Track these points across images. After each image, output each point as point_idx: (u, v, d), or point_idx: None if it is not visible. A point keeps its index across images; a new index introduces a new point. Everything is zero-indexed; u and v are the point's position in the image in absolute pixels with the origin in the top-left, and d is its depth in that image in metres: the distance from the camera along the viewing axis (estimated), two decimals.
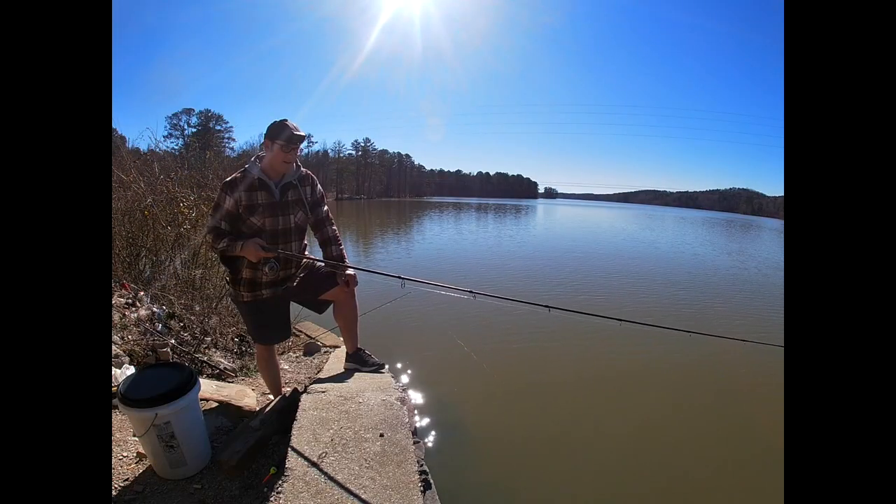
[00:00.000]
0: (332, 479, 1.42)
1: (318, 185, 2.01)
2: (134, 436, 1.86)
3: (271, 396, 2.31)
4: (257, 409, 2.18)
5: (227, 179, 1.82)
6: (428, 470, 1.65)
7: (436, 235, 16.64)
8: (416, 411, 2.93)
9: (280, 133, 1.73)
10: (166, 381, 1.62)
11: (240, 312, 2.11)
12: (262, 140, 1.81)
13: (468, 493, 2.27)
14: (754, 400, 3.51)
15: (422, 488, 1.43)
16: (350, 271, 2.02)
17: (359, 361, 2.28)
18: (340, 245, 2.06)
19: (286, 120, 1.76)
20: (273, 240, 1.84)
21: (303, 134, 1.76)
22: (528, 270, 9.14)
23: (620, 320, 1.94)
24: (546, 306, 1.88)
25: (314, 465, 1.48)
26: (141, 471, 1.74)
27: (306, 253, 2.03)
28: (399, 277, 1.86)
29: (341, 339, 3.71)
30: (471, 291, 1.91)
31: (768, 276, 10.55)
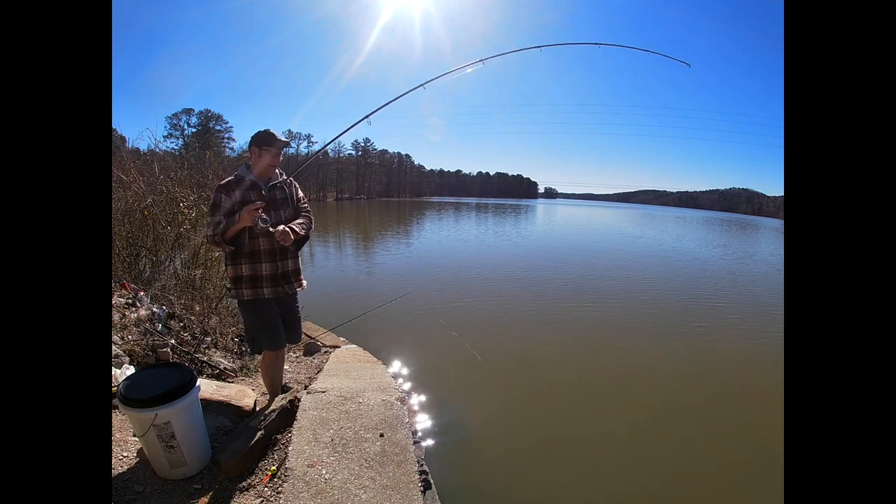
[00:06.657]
0: (332, 479, 1.42)
1: (298, 186, 2.22)
2: (134, 436, 1.86)
3: None
4: (257, 409, 2.18)
5: (223, 182, 1.98)
6: (428, 470, 1.65)
7: (434, 233, 16.69)
8: (416, 411, 2.93)
9: (267, 140, 1.97)
10: (166, 381, 1.62)
11: (244, 319, 2.15)
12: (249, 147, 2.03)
13: (468, 493, 2.27)
14: (754, 399, 3.51)
15: (422, 488, 1.43)
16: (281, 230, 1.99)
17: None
18: (310, 214, 2.17)
19: (269, 129, 2.02)
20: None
21: (287, 140, 2.05)
22: (523, 267, 9.15)
23: None
24: None
25: (314, 465, 1.48)
26: (141, 471, 1.73)
27: (299, 261, 2.14)
28: None
29: (342, 339, 3.72)
30: None
31: (748, 266, 10.99)
